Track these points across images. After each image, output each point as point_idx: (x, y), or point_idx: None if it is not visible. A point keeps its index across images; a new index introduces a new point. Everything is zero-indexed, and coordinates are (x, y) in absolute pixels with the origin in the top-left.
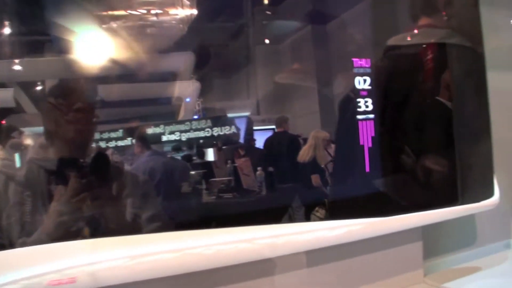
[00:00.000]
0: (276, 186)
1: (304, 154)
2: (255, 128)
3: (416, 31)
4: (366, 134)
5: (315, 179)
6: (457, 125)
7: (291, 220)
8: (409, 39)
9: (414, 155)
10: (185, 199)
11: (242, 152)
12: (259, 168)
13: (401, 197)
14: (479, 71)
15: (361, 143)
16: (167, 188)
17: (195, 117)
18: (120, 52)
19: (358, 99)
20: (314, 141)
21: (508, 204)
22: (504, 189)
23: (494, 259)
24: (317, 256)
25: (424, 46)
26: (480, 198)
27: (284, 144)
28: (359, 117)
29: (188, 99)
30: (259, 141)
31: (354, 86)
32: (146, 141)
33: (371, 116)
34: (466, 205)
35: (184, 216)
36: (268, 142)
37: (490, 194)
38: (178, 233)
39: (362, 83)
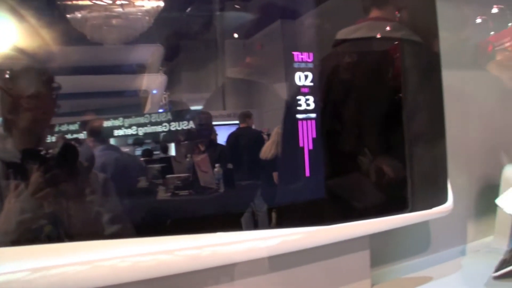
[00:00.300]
0: (236, 184)
1: (267, 151)
2: (219, 123)
3: (366, 24)
4: (307, 135)
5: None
6: (408, 126)
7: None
8: (357, 33)
9: (360, 158)
10: (136, 198)
11: (202, 148)
12: (217, 165)
13: (344, 204)
14: (434, 70)
15: (301, 144)
16: (117, 186)
17: (156, 110)
18: (82, 42)
19: (299, 97)
20: (277, 138)
21: (463, 208)
22: (459, 193)
23: (447, 267)
24: (255, 266)
25: (374, 40)
26: (432, 205)
27: (246, 140)
28: (299, 116)
29: (154, 92)
30: (223, 137)
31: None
32: (99, 135)
33: (313, 115)
34: (417, 212)
35: (130, 218)
36: (230, 138)
37: (443, 200)
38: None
39: (303, 79)
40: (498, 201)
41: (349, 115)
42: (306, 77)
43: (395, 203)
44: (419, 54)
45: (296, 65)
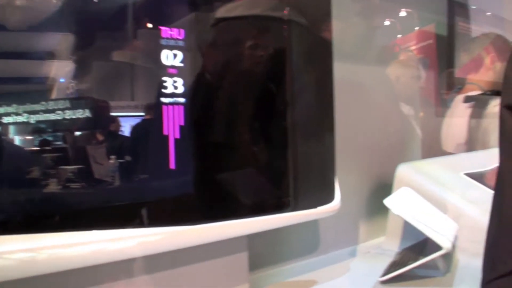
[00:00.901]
0: (133, 178)
1: None
2: (124, 114)
3: (246, 1)
4: (173, 122)
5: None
6: (292, 117)
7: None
8: (236, 10)
9: (236, 151)
10: (19, 191)
11: (100, 139)
12: (112, 157)
13: (216, 201)
14: (325, 58)
15: (165, 132)
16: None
17: (54, 97)
18: None
19: (165, 78)
20: None
21: (355, 208)
22: (350, 192)
23: (334, 270)
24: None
25: (256, 20)
26: (317, 203)
27: (148, 132)
28: (164, 100)
29: (62, 80)
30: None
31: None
32: None
33: (181, 100)
34: (300, 212)
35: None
36: (133, 129)
37: (330, 198)
38: None
39: (171, 58)
40: (386, 201)
41: (224, 102)
42: (175, 56)
43: (275, 201)
44: (307, 40)
45: (163, 42)
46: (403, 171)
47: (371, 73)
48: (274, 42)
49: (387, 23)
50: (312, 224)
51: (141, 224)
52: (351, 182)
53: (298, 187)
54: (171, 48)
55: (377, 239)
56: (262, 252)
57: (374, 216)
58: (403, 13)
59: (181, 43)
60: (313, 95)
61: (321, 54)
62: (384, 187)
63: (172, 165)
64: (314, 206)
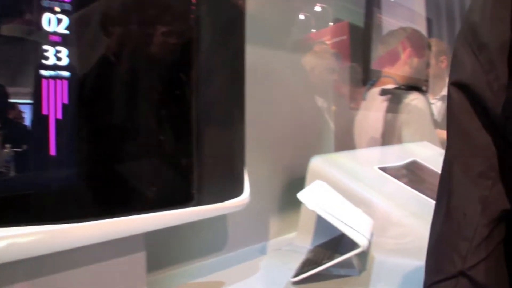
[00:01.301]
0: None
1: None
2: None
3: None
4: (54, 100)
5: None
6: (198, 104)
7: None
8: None
9: (130, 136)
10: None
11: None
12: (7, 145)
13: (106, 194)
14: (236, 43)
15: (44, 112)
16: None
17: None
18: None
19: (46, 47)
20: None
21: (266, 202)
22: (261, 185)
23: (243, 269)
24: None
25: None
26: (225, 197)
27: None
28: (44, 73)
29: None
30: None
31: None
32: None
33: (65, 74)
34: (205, 206)
35: None
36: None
37: (238, 192)
38: None
39: (54, 23)
40: (299, 195)
41: (118, 79)
42: (60, 21)
43: (177, 195)
44: (217, 22)
45: (45, 4)
46: (317, 163)
47: (286, 61)
48: (179, 19)
49: (301, 17)
50: (220, 220)
51: (13, 222)
52: (262, 175)
53: (203, 179)
54: (54, 11)
55: (288, 235)
56: (163, 252)
57: (286, 211)
58: (318, 8)
59: (67, 7)
60: (222, 81)
61: (232, 38)
62: (297, 181)
63: (52, 151)
64: (221, 200)
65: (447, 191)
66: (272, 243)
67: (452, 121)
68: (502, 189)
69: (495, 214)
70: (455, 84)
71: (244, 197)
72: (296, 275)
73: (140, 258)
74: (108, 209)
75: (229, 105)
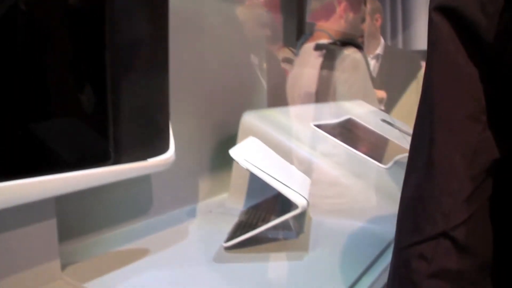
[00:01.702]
0: None
1: None
2: None
3: None
4: None
5: None
6: (114, 52)
7: None
8: None
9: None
10: None
11: None
12: None
13: (10, 154)
14: None
15: None
16: None
17: None
18: None
19: None
20: None
21: (195, 161)
22: (189, 142)
23: (171, 235)
24: None
25: None
26: (147, 155)
27: None
28: None
29: None
30: None
31: None
32: None
33: None
34: (125, 165)
35: None
36: None
37: (163, 149)
38: None
39: None
40: (231, 151)
41: (27, 19)
42: None
43: (90, 154)
44: None
45: None
46: (249, 119)
47: (217, 9)
48: None
49: None
50: (143, 181)
51: None
52: (190, 132)
53: (121, 135)
54: None
55: (219, 196)
56: (79, 218)
57: (217, 171)
58: None
59: None
60: (142, 26)
61: None
62: (229, 139)
63: None
64: (143, 158)
65: (427, 140)
66: (202, 205)
67: (433, 53)
68: (492, 135)
69: (485, 164)
70: (438, 9)
71: (169, 155)
72: (229, 239)
73: (50, 225)
74: (13, 170)
75: (150, 50)
